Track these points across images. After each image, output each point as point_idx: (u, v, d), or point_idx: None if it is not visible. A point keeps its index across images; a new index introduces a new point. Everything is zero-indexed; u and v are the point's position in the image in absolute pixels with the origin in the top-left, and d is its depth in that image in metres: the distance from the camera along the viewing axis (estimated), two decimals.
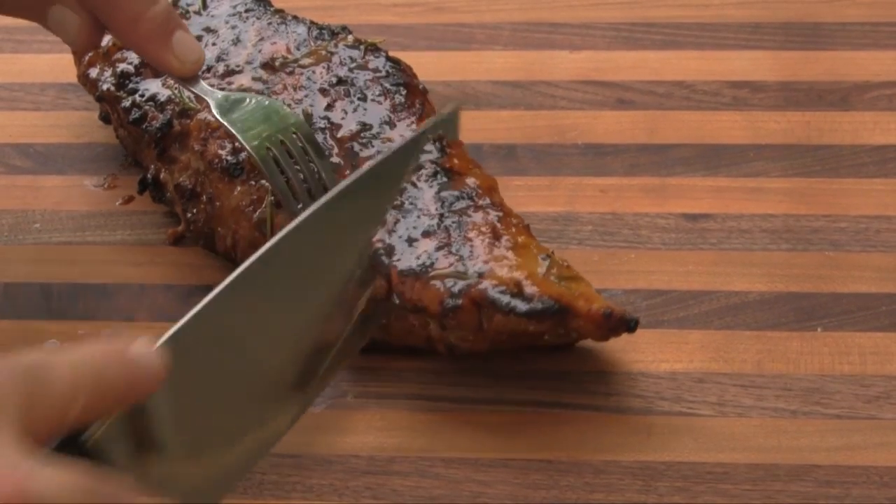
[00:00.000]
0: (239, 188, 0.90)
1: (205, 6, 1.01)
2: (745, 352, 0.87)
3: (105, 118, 1.02)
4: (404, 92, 0.93)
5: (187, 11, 1.00)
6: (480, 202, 0.87)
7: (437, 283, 0.83)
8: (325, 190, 0.87)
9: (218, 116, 0.88)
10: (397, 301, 0.83)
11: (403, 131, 0.91)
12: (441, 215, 0.86)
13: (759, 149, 1.00)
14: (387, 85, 0.93)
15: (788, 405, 0.84)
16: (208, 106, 0.89)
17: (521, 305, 0.81)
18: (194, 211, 0.93)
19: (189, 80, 0.90)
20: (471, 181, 0.88)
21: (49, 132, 1.06)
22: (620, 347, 0.87)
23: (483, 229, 0.86)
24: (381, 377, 0.87)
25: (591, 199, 0.91)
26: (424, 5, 1.15)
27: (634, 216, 0.96)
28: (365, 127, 0.91)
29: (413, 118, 0.92)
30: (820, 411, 0.83)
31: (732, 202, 0.96)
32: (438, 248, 0.84)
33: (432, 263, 0.84)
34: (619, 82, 1.06)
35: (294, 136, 0.88)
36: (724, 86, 1.06)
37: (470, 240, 0.85)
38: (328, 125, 0.91)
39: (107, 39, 1.00)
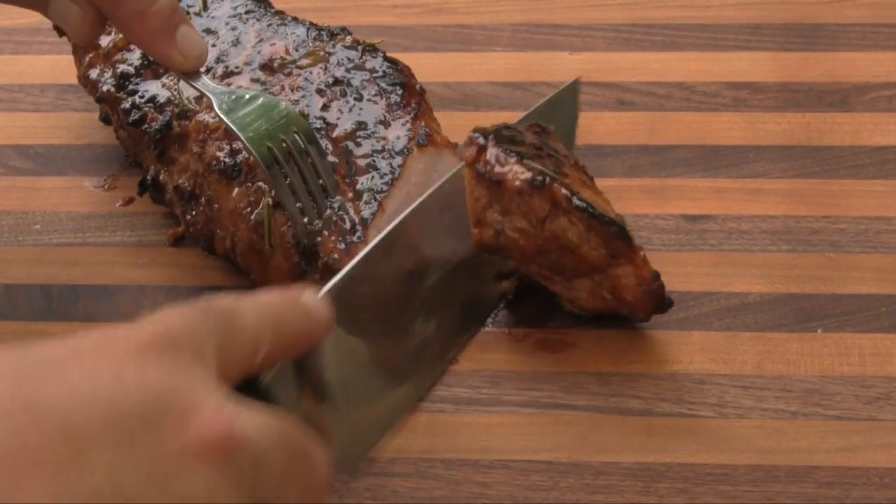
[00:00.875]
0: (237, 190, 0.90)
1: (205, 7, 1.01)
2: (745, 353, 0.87)
3: (105, 119, 1.02)
4: (400, 91, 0.93)
5: (188, 12, 1.00)
6: (578, 163, 0.90)
7: (526, 167, 0.85)
8: (325, 190, 0.88)
9: (220, 113, 0.88)
10: (481, 169, 0.86)
11: (398, 130, 0.91)
12: (540, 145, 0.89)
13: (759, 150, 1.00)
14: (383, 85, 0.94)
15: (788, 406, 0.84)
16: (210, 104, 0.89)
17: (593, 211, 0.84)
18: (193, 213, 0.93)
19: (191, 75, 0.90)
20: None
21: (49, 133, 1.06)
22: (621, 347, 0.87)
23: (575, 172, 0.88)
24: None
25: None
26: (424, 6, 1.15)
27: (634, 217, 0.96)
28: (360, 126, 0.91)
29: (408, 117, 0.92)
30: (820, 412, 0.83)
31: (732, 203, 0.96)
32: (538, 156, 0.87)
33: (529, 159, 0.87)
34: (618, 83, 1.07)
35: (295, 135, 0.88)
36: (723, 87, 1.06)
37: (563, 168, 0.87)
38: (324, 125, 0.91)
39: (107, 40, 1.00)
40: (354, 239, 0.86)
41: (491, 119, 1.01)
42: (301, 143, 0.88)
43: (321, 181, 0.88)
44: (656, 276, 0.84)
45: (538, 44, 1.11)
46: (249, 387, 0.63)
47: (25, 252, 0.97)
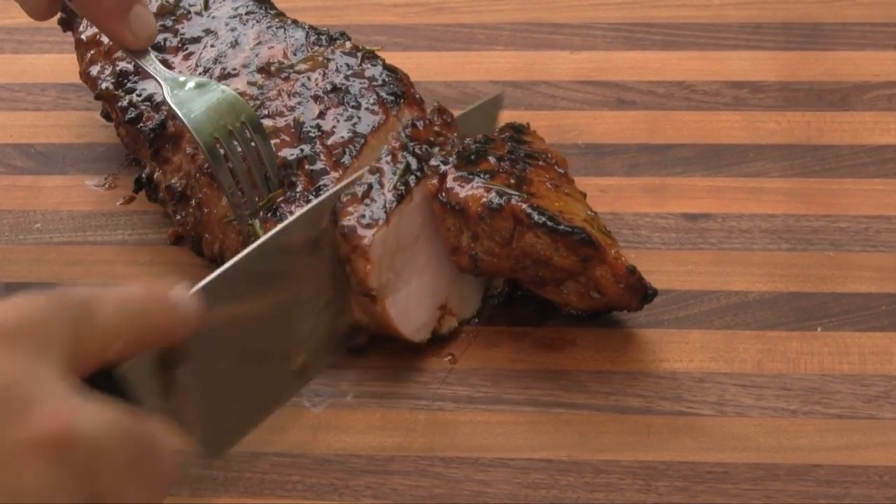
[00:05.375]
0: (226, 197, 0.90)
1: (206, 7, 1.01)
2: (745, 351, 0.87)
3: (107, 116, 1.03)
4: (401, 102, 0.93)
5: (188, 12, 1.00)
6: (550, 161, 0.90)
7: (485, 189, 0.86)
8: (268, 180, 0.88)
9: (167, 98, 0.89)
10: (444, 199, 0.86)
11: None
12: (510, 151, 0.89)
13: (759, 149, 1.00)
14: (382, 94, 0.93)
15: (788, 405, 0.84)
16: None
17: (554, 224, 0.84)
18: (183, 214, 0.93)
19: (139, 54, 0.91)
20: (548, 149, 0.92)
21: (50, 132, 1.06)
22: (620, 346, 0.87)
23: (544, 174, 0.89)
24: (381, 377, 0.87)
25: (591, 199, 0.91)
26: (425, 6, 1.15)
27: (634, 216, 0.96)
28: (357, 135, 0.91)
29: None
30: (820, 411, 0.83)
31: (732, 202, 0.96)
32: (498, 172, 0.87)
33: (489, 177, 0.87)
34: (619, 82, 1.07)
35: (241, 125, 0.88)
36: (724, 86, 1.06)
37: (528, 175, 0.88)
38: (318, 133, 0.91)
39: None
40: (377, 215, 0.85)
41: None
42: (248, 135, 0.88)
43: (265, 170, 0.88)
44: (632, 270, 0.85)
45: (538, 43, 1.11)
46: (103, 377, 0.63)
47: (26, 251, 0.97)
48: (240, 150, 0.88)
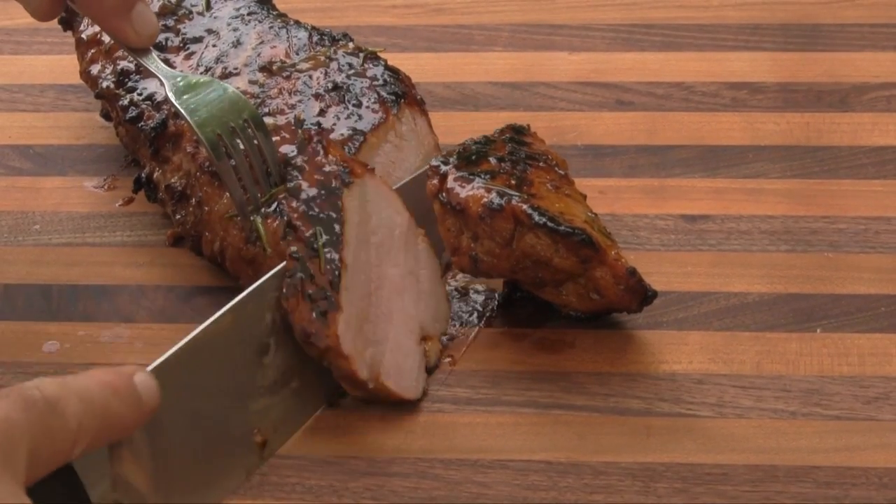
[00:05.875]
0: (227, 194, 0.90)
1: (208, 7, 1.01)
2: (744, 353, 0.87)
3: (106, 115, 1.03)
4: (402, 102, 0.93)
5: (190, 12, 1.00)
6: (550, 163, 0.90)
7: (485, 190, 0.86)
8: (269, 175, 0.87)
9: (170, 96, 0.89)
10: (444, 199, 0.86)
11: (315, 173, 0.88)
12: (510, 152, 0.89)
13: (759, 150, 1.01)
14: (383, 94, 0.93)
15: (787, 406, 0.84)
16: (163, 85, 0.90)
17: (554, 225, 0.84)
18: (183, 213, 0.93)
19: (141, 52, 0.91)
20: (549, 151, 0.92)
21: (49, 133, 1.06)
22: (620, 347, 0.87)
23: (545, 175, 0.89)
24: None
25: (591, 200, 0.91)
26: (424, 7, 1.15)
27: (633, 217, 0.96)
28: (357, 133, 0.91)
29: (317, 156, 0.90)
30: (819, 412, 0.83)
31: (731, 203, 0.96)
32: (499, 173, 0.87)
33: (490, 178, 0.87)
34: (618, 83, 1.07)
35: (244, 122, 0.88)
36: (723, 87, 1.06)
37: (529, 177, 0.88)
38: (318, 130, 0.91)
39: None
40: (327, 307, 0.82)
41: (490, 119, 1.02)
42: (251, 132, 0.88)
43: (267, 166, 0.88)
44: (632, 272, 0.85)
45: (537, 44, 1.11)
46: (63, 469, 0.62)
47: (25, 252, 0.97)
48: (242, 147, 0.87)
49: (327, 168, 0.86)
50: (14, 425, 0.58)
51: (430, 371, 0.87)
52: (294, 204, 0.84)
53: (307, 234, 0.83)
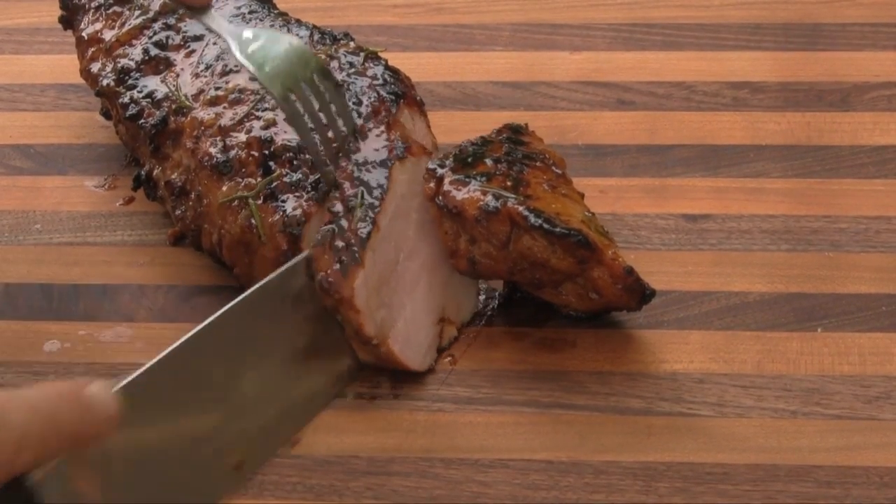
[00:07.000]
0: (227, 186, 0.90)
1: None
2: (745, 352, 0.87)
3: (106, 114, 1.03)
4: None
5: None
6: (547, 162, 0.90)
7: (482, 192, 0.86)
8: (341, 131, 0.88)
9: (237, 55, 0.89)
10: (441, 202, 0.86)
11: (373, 142, 0.90)
12: (507, 153, 0.90)
13: (759, 149, 1.00)
14: (383, 93, 0.93)
15: (788, 406, 0.84)
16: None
17: (550, 226, 0.84)
18: (182, 208, 0.93)
19: (202, 11, 0.91)
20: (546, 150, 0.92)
21: (49, 133, 1.06)
22: (621, 347, 0.87)
23: (541, 175, 0.89)
24: (381, 377, 0.87)
25: (591, 199, 0.91)
26: (424, 6, 1.15)
27: (634, 217, 0.96)
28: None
29: (381, 127, 0.91)
30: (820, 412, 0.83)
31: (732, 203, 0.96)
32: (495, 174, 0.87)
33: (486, 180, 0.87)
34: (619, 83, 1.07)
35: (314, 77, 0.88)
36: (724, 86, 1.06)
37: (525, 177, 0.88)
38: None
39: (110, 34, 1.00)
40: (350, 260, 0.84)
41: (491, 118, 1.02)
42: (321, 88, 0.88)
43: (339, 127, 0.88)
44: (629, 270, 0.85)
45: (538, 43, 1.11)
46: (17, 485, 0.62)
47: (26, 251, 0.97)
48: (312, 100, 0.88)
49: (386, 141, 0.89)
50: None
51: (439, 351, 0.88)
52: (344, 164, 0.87)
53: (349, 193, 0.86)
